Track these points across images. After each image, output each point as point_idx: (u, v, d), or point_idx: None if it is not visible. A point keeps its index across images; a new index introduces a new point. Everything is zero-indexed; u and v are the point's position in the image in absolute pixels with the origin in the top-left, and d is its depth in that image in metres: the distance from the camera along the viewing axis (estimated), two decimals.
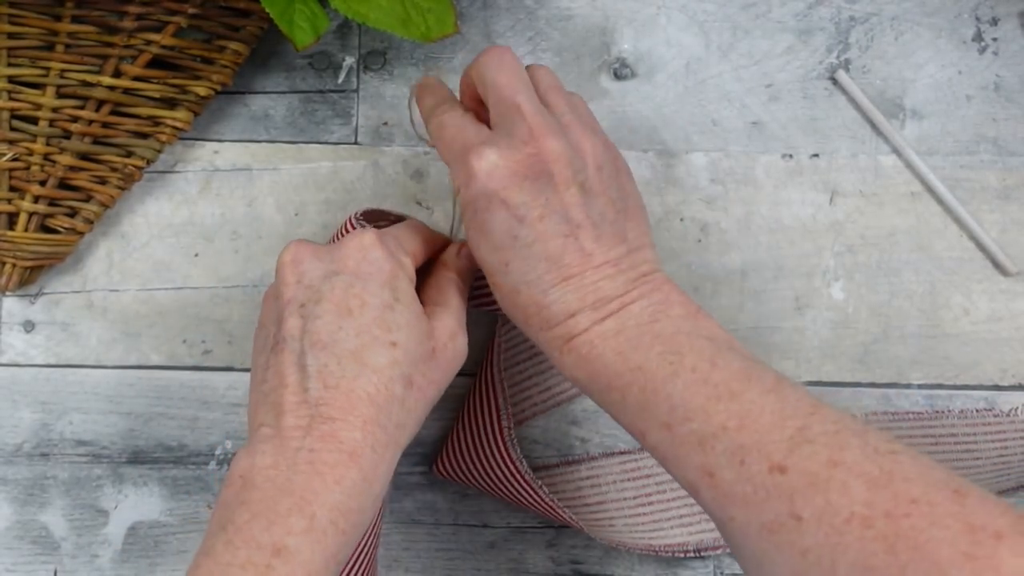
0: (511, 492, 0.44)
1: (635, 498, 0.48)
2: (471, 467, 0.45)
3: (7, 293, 0.49)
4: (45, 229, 0.47)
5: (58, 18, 0.46)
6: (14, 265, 0.47)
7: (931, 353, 0.49)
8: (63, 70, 0.46)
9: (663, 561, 0.48)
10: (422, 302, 0.38)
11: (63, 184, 0.47)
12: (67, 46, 0.46)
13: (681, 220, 0.49)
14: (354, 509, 0.33)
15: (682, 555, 0.47)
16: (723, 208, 0.49)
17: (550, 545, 0.48)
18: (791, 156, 0.49)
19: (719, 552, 0.47)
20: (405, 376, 0.36)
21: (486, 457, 0.45)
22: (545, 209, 0.36)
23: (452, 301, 0.40)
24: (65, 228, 0.47)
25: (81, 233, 0.48)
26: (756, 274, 0.49)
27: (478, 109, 0.40)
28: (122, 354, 0.49)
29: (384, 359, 0.35)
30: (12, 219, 0.47)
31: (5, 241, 0.46)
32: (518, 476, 0.44)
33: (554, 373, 0.49)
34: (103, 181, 0.47)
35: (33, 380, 0.49)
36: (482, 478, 0.45)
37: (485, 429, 0.45)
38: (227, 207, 0.49)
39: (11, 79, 0.46)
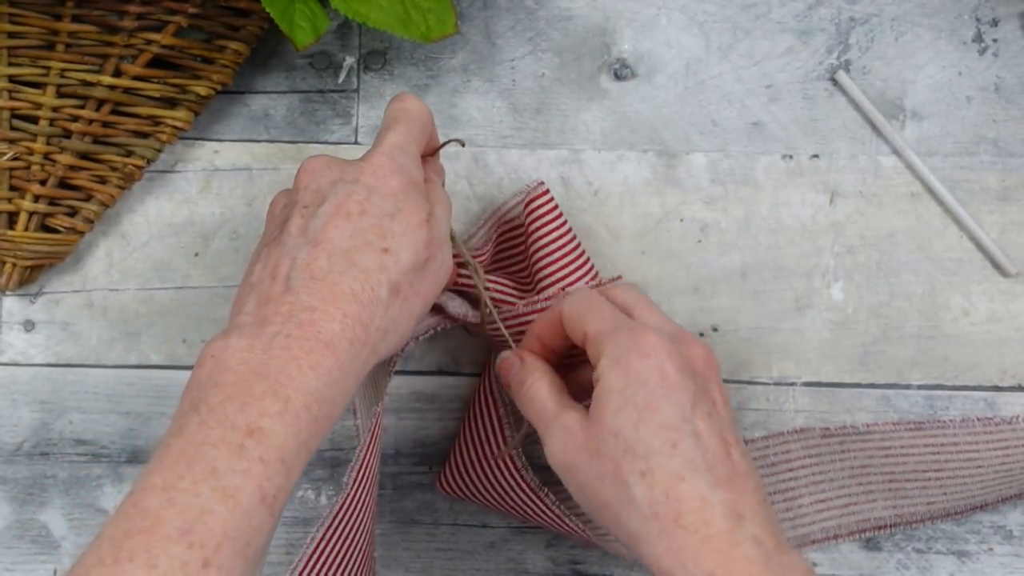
0: (516, 502, 0.44)
1: None
2: (475, 479, 0.45)
3: (7, 292, 0.49)
4: (45, 228, 0.47)
5: (58, 17, 0.46)
6: (14, 264, 0.47)
7: (930, 354, 0.49)
8: (63, 69, 0.46)
9: None
10: None
11: (63, 183, 0.47)
12: (67, 45, 0.46)
13: (681, 220, 0.49)
14: (327, 398, 0.33)
15: None
16: (723, 208, 0.49)
17: (549, 545, 0.48)
18: (791, 157, 0.49)
19: None
20: (393, 283, 0.35)
21: (490, 467, 0.44)
22: (712, 408, 0.36)
23: (438, 210, 0.39)
24: (65, 227, 0.47)
25: (81, 232, 0.48)
26: (756, 274, 0.49)
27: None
28: (122, 354, 0.49)
29: (374, 263, 0.35)
30: (12, 218, 0.47)
31: (5, 240, 0.46)
32: (522, 484, 0.44)
33: None
34: (103, 180, 0.47)
35: (33, 379, 0.49)
36: (487, 490, 0.45)
37: (487, 438, 0.45)
38: (227, 207, 0.49)
39: (11, 78, 0.46)
